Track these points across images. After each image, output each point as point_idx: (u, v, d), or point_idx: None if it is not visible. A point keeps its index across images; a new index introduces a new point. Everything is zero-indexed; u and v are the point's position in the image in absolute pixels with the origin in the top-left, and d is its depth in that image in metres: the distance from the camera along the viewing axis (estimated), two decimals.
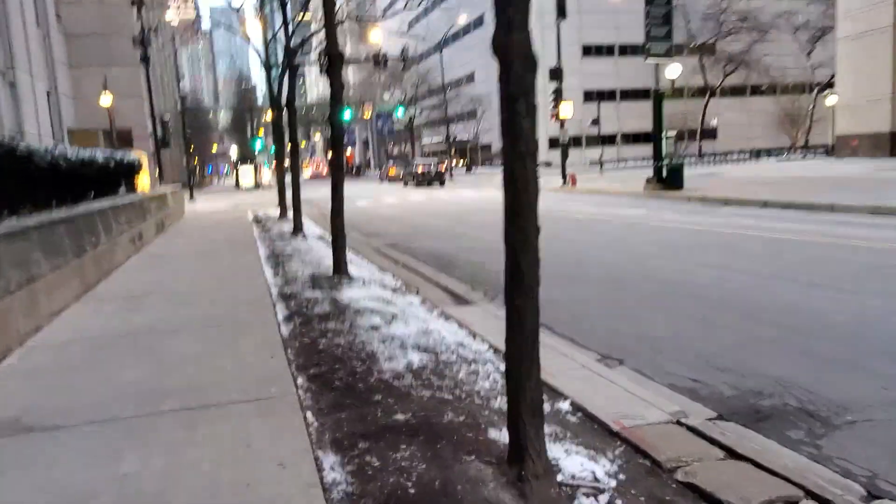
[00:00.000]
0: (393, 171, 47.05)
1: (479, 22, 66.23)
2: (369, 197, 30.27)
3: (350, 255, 10.93)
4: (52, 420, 3.72)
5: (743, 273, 8.14)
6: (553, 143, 57.27)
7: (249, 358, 4.79)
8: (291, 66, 12.90)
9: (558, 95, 26.38)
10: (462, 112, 63.37)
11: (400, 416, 3.71)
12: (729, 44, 48.67)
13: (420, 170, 38.03)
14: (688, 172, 32.89)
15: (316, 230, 15.43)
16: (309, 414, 3.72)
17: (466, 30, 67.16)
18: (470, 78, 67.05)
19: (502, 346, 5.67)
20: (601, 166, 36.86)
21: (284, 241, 12.49)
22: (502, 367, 5.11)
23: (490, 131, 63.40)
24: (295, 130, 12.92)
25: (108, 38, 43.64)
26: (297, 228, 13.26)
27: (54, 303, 6.45)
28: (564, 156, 27.82)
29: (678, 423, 3.78)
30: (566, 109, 26.22)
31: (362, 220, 18.60)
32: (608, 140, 47.55)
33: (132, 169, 16.56)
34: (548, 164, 55.55)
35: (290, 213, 19.17)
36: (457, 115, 62.90)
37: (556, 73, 25.97)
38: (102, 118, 36.26)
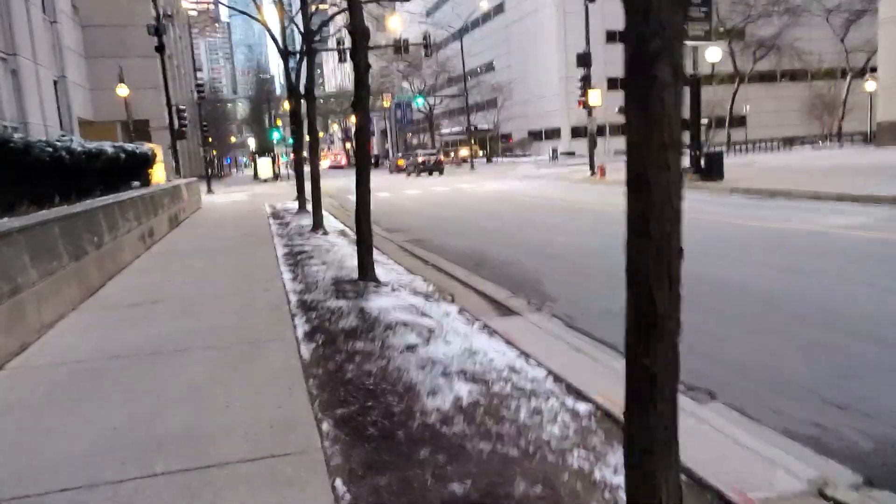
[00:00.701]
0: (401, 163, 49.37)
1: (498, 9, 64.97)
2: (386, 188, 29.45)
3: (374, 254, 10.14)
4: (10, 488, 2.91)
5: (823, 277, 7.17)
6: (576, 132, 56.06)
7: (263, 391, 3.96)
8: (310, 51, 12.05)
9: (586, 82, 25.27)
10: (481, 101, 62.21)
11: (456, 486, 2.85)
12: (759, 28, 46.93)
13: (420, 160, 42.66)
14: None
15: (336, 224, 14.65)
16: (339, 481, 2.88)
17: (486, 17, 65.93)
18: (489, 67, 65.90)
19: (561, 372, 4.84)
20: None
21: (303, 238, 11.68)
22: (568, 403, 4.26)
23: (511, 120, 62.26)
24: (314, 119, 12.09)
25: (124, 29, 43.22)
26: (317, 224, 12.46)
27: (46, 314, 5.68)
28: (593, 145, 26.73)
29: (821, 495, 2.88)
30: (594, 97, 25.12)
31: (381, 212, 17.76)
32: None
33: (146, 161, 15.88)
34: (570, 154, 54.33)
35: (309, 206, 18.43)
36: (476, 105, 61.80)
37: (584, 59, 24.86)
38: (120, 110, 35.80)
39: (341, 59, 28.73)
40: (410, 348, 4.90)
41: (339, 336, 5.21)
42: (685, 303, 2.04)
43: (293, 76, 16.79)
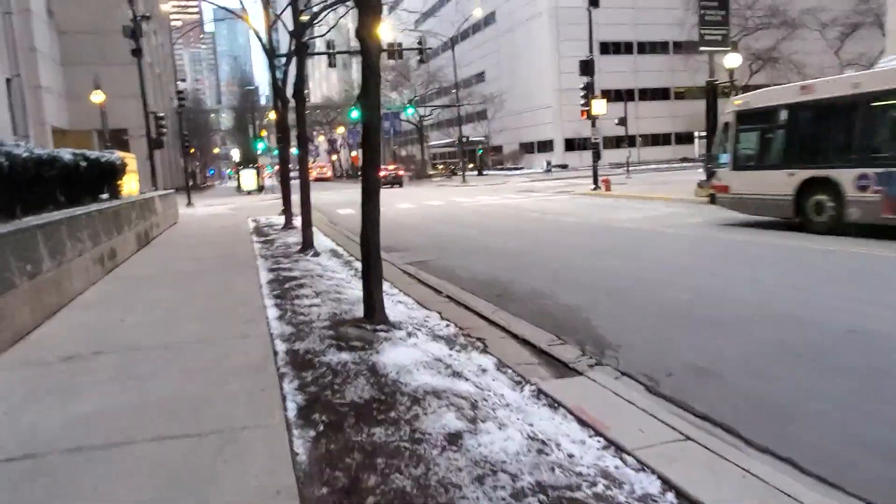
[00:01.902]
0: (384, 175, 48.35)
1: (490, 19, 64.01)
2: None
3: None
4: None
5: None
6: (569, 144, 54.95)
7: None
8: (300, 48, 10.55)
9: (589, 90, 24.00)
10: (472, 113, 61.01)
11: None
12: (755, 41, 46.13)
13: (382, 174, 43.58)
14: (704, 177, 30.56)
15: (326, 243, 13.10)
16: None
17: (476, 28, 64.94)
18: (479, 77, 64.79)
19: (689, 489, 2.76)
20: (628, 169, 34.38)
21: (291, 260, 10.12)
22: None
23: (502, 132, 61.10)
24: (304, 125, 10.56)
25: (103, 36, 41.55)
26: (307, 243, 10.90)
27: None
28: (597, 157, 25.41)
29: None
30: (599, 106, 23.86)
31: (384, 229, 16.26)
32: (628, 142, 45.13)
33: (113, 171, 14.26)
34: (563, 167, 53.17)
35: (297, 222, 16.85)
36: (466, 116, 60.57)
37: (586, 67, 23.60)
38: (97, 119, 34.08)
39: (331, 64, 27.26)
40: (452, 440, 3.39)
41: (347, 417, 3.68)
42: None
43: (280, 80, 15.31)
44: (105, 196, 14.94)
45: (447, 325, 6.24)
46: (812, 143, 11.84)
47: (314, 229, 15.99)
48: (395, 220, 19.12)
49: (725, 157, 13.45)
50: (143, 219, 13.35)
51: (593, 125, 24.76)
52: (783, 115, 12.10)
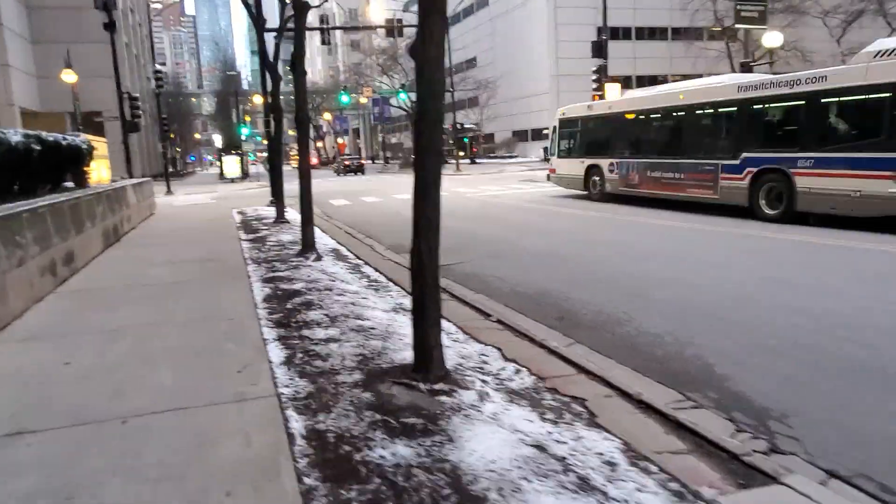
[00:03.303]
0: (348, 164, 54.38)
1: (482, 3, 62.00)
2: (368, 191, 26.06)
3: (393, 292, 6.88)
4: None
5: None
6: None
7: None
8: (299, 6, 8.70)
9: (602, 73, 22.30)
10: (463, 99, 59.03)
11: None
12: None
13: (346, 163, 52.16)
14: None
15: (325, 241, 11.31)
16: None
17: (468, 11, 62.89)
18: (471, 63, 62.77)
19: None
20: None
21: (290, 266, 8.35)
22: None
23: (494, 120, 59.21)
24: (304, 100, 8.74)
25: (76, 12, 39.10)
26: (308, 243, 9.12)
27: None
28: None
29: None
30: (613, 91, 22.20)
31: (374, 222, 14.48)
32: None
33: (78, 156, 12.38)
34: None
35: (290, 215, 15.02)
36: (457, 103, 58.57)
37: (599, 48, 21.88)
38: (70, 100, 31.80)
39: (324, 41, 25.27)
40: None
41: None
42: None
43: (271, 54, 13.46)
44: (70, 185, 13.08)
45: (518, 371, 4.53)
46: (591, 142, 18.05)
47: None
48: (397, 213, 17.34)
49: (554, 149, 19.81)
50: (112, 212, 11.47)
51: None
52: (579, 123, 18.50)
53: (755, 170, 12.53)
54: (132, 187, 14.38)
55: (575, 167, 18.35)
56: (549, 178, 20.29)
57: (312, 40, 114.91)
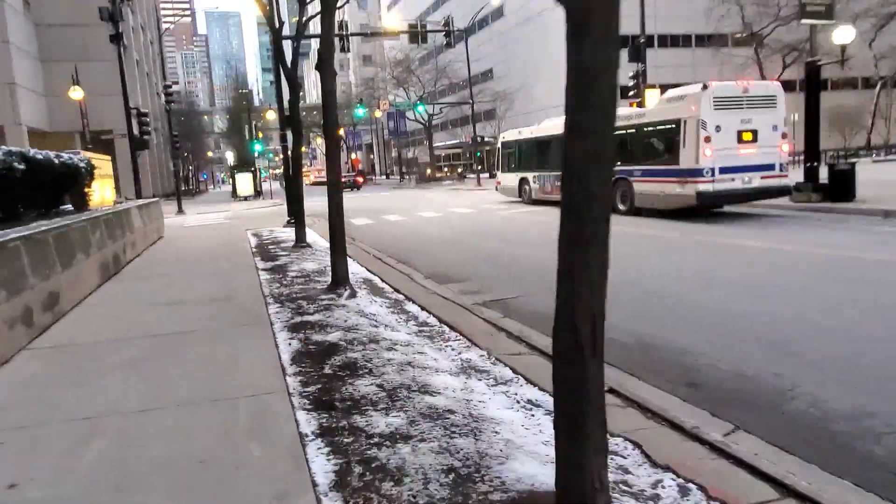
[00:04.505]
0: (345, 180, 52.77)
1: (497, 14, 60.81)
2: (389, 209, 24.62)
3: (446, 331, 5.33)
4: None
5: None
6: None
7: None
8: None
9: (641, 79, 20.80)
10: (479, 112, 57.74)
11: None
12: (788, 32, 43.02)
13: (343, 179, 53.89)
14: None
15: (354, 268, 9.76)
16: None
17: (483, 23, 61.69)
18: (486, 75, 61.47)
19: None
20: None
21: (320, 305, 6.84)
22: None
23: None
24: (334, 106, 7.27)
25: (84, 30, 38.17)
26: (339, 277, 7.59)
27: None
28: None
29: None
30: (652, 97, 20.68)
31: (404, 247, 12.99)
32: None
33: (75, 176, 11.05)
34: None
35: (312, 237, 13.56)
36: (470, 117, 57.31)
37: (637, 53, 20.41)
38: (80, 119, 30.74)
39: (343, 48, 23.96)
40: None
41: None
42: None
43: (289, 57, 12.09)
44: (69, 208, 11.75)
45: (685, 495, 2.98)
46: (522, 160, 22.86)
47: (321, 240, 12.76)
48: (425, 232, 15.87)
49: (499, 166, 25.32)
50: (113, 239, 10.05)
51: None
52: (514, 145, 23.57)
53: (613, 179, 15.34)
54: (137, 209, 12.99)
55: (512, 180, 23.58)
56: (496, 188, 25.75)
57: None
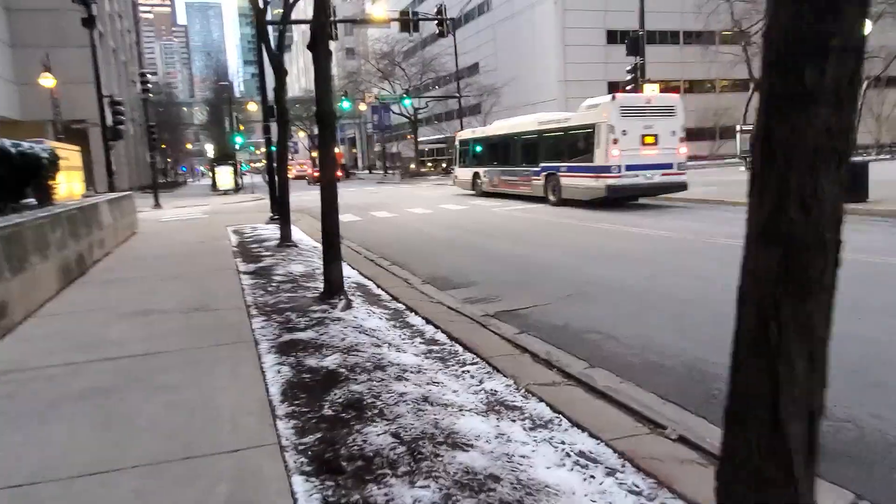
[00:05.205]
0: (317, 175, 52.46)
1: (483, 7, 59.91)
2: (375, 205, 23.69)
3: (489, 382, 4.48)
4: None
5: None
6: None
7: None
8: None
9: (639, 73, 20.07)
10: (464, 107, 56.81)
11: None
12: None
13: (316, 174, 59.70)
14: None
15: (349, 272, 8.85)
16: None
17: (469, 17, 60.75)
18: (473, 69, 60.52)
19: None
20: None
21: (312, 319, 5.96)
22: None
23: None
24: (329, 87, 6.38)
25: (58, 15, 36.59)
26: (334, 287, 6.70)
27: None
28: None
29: None
30: (650, 92, 19.96)
31: (396, 244, 12.11)
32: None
33: (36, 168, 10.00)
34: None
35: (297, 234, 12.62)
36: (456, 112, 56.33)
37: (634, 45, 19.69)
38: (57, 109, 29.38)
39: (331, 36, 22.93)
40: None
41: None
42: None
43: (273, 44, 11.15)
44: (32, 202, 10.71)
45: None
46: (474, 156, 25.20)
47: (304, 236, 11.87)
48: (419, 231, 15.00)
49: (455, 161, 27.70)
50: (77, 237, 9.06)
51: None
52: (468, 143, 25.85)
53: (545, 174, 19.64)
54: (107, 204, 11.96)
55: (467, 174, 26.10)
56: (453, 182, 28.32)
57: (301, 53, 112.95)
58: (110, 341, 5.31)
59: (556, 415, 3.92)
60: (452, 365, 4.93)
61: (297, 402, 3.89)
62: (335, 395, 4.00)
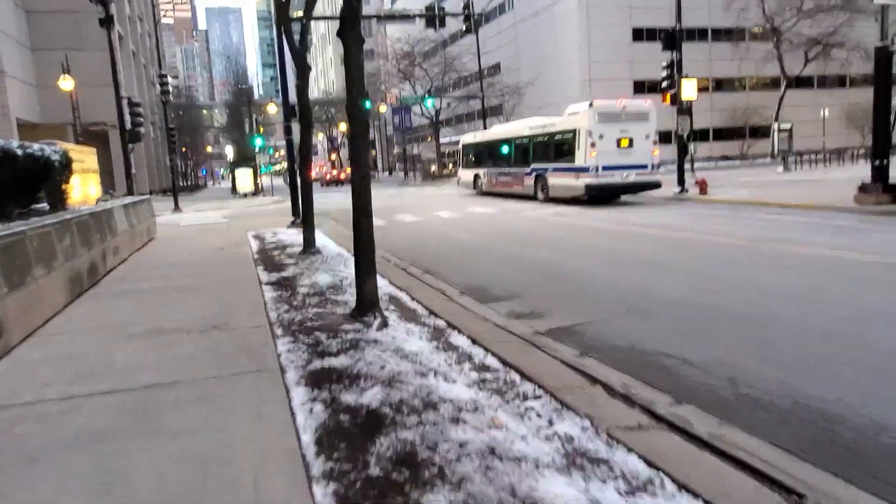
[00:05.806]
0: (329, 178, 56.62)
1: (503, 8, 59.06)
2: (400, 208, 22.98)
3: (565, 427, 3.71)
4: None
5: None
6: None
7: None
8: None
9: (675, 69, 19.16)
10: (487, 107, 55.94)
11: None
12: (809, 27, 41.19)
13: (328, 178, 57.33)
14: (796, 177, 25.67)
15: (379, 282, 8.10)
16: None
17: (490, 17, 59.92)
18: (494, 69, 59.65)
19: None
20: (692, 165, 29.09)
21: (343, 340, 5.24)
22: None
23: None
24: (361, 78, 5.67)
25: (78, 17, 36.45)
26: (367, 302, 5.97)
27: None
28: (683, 151, 20.59)
29: None
30: (689, 89, 19.05)
31: (427, 250, 11.38)
32: (665, 138, 40.03)
33: (46, 170, 9.44)
34: None
35: (322, 241, 11.94)
36: (477, 112, 55.49)
37: (671, 39, 18.76)
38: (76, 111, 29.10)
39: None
40: None
41: None
42: None
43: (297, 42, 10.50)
44: (44, 207, 10.18)
45: None
46: (475, 158, 27.24)
47: (333, 244, 11.11)
48: (446, 236, 14.25)
49: (460, 163, 29.56)
50: (89, 245, 8.44)
51: (681, 112, 19.89)
52: (471, 146, 27.98)
53: (535, 174, 21.50)
54: (123, 209, 11.37)
55: (469, 175, 28.01)
56: (457, 182, 30.43)
57: (326, 50, 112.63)
58: (116, 369, 4.62)
59: (655, 472, 3.15)
60: (512, 399, 4.18)
61: (335, 455, 3.16)
62: (382, 445, 3.27)
